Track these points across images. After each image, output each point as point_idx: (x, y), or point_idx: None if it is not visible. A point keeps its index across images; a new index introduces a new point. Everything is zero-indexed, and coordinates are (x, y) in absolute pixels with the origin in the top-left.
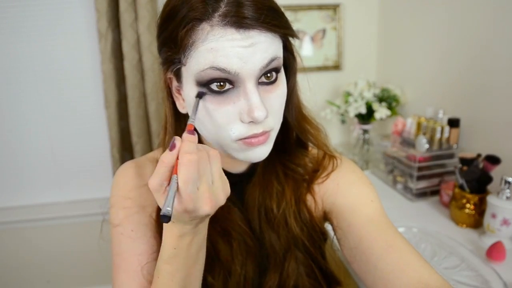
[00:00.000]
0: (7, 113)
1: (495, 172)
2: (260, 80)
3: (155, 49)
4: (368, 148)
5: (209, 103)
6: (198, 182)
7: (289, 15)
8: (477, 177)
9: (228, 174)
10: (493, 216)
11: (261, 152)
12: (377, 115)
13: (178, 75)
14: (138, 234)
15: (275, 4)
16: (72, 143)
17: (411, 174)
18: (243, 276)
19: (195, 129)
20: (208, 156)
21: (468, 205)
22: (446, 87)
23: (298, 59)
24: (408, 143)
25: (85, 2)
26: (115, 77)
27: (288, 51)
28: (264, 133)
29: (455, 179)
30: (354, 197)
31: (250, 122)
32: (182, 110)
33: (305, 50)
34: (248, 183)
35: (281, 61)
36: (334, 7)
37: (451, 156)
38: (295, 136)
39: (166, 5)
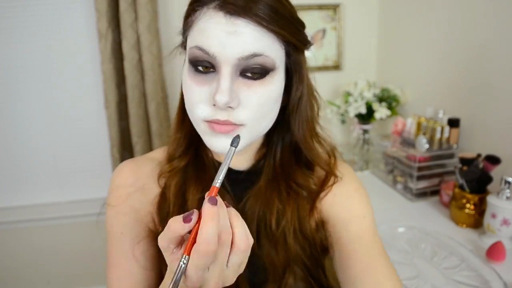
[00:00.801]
0: (7, 113)
1: (495, 172)
2: (243, 72)
3: (155, 49)
4: (368, 148)
5: (191, 81)
6: (211, 266)
7: None
8: (477, 177)
9: (229, 170)
10: (493, 216)
11: (224, 143)
12: (377, 115)
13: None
14: (127, 229)
15: (283, 7)
16: (72, 143)
17: (411, 174)
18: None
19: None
20: (234, 244)
21: (468, 205)
22: (446, 87)
23: (306, 72)
24: (408, 143)
25: (85, 2)
26: (115, 77)
27: (292, 59)
28: (228, 123)
29: (455, 179)
30: (347, 211)
31: (214, 105)
32: None
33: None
34: (248, 185)
35: (270, 61)
36: (334, 7)
37: (451, 156)
38: (303, 156)
39: None
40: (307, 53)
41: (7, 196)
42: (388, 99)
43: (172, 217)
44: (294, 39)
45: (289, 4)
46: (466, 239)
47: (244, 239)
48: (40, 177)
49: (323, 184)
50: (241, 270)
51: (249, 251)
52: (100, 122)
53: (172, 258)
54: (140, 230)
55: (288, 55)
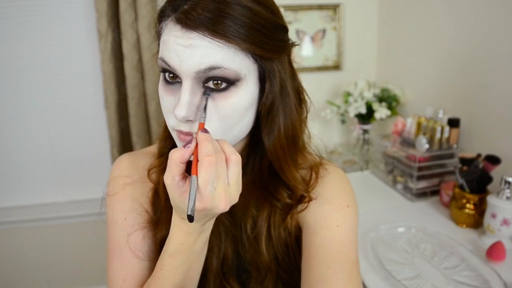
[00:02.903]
0: (7, 112)
1: (495, 172)
2: (206, 84)
3: (155, 49)
4: (368, 148)
5: (162, 89)
6: (216, 183)
7: (289, 15)
8: (477, 177)
9: None
10: (493, 216)
11: None
12: (377, 115)
13: None
14: (126, 217)
15: (247, 15)
16: (72, 143)
17: (411, 174)
18: (222, 255)
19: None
20: (227, 160)
21: (468, 205)
22: (446, 87)
23: (279, 83)
24: (408, 143)
25: (85, 2)
26: (115, 77)
27: (263, 67)
28: (191, 134)
29: (455, 179)
30: (319, 217)
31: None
32: None
33: (305, 50)
34: None
35: (231, 73)
36: (334, 7)
37: (451, 156)
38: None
39: None
40: (304, 53)
41: (7, 196)
42: (388, 99)
43: (164, 210)
44: (258, 48)
45: (260, 10)
46: (466, 239)
47: (234, 152)
48: (40, 177)
49: (299, 201)
50: (240, 188)
51: (240, 165)
52: (100, 122)
53: (180, 192)
54: (136, 219)
55: (258, 62)
